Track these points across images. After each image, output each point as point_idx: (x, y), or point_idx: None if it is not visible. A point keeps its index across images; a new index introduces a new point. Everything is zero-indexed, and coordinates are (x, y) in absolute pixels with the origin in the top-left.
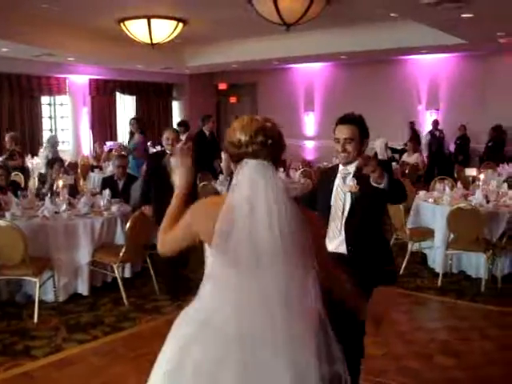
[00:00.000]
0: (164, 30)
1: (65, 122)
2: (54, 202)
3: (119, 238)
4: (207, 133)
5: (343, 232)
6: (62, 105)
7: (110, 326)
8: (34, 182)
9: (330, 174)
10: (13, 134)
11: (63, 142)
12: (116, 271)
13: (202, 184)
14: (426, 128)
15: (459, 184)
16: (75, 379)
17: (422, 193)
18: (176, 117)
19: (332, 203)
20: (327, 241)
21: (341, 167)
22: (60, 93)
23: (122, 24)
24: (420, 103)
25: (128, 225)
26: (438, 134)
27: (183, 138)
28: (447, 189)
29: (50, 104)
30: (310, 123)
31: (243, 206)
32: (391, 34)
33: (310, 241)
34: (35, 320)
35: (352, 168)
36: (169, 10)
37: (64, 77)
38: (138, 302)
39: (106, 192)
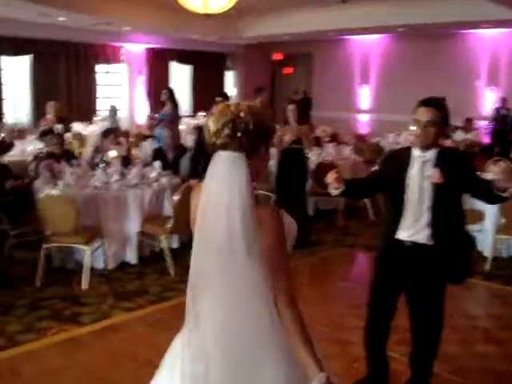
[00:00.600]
0: (219, 1)
1: (120, 90)
2: (105, 173)
3: (168, 210)
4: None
5: (422, 221)
6: (118, 73)
7: (156, 296)
8: (88, 151)
9: (401, 158)
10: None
11: (119, 110)
12: (163, 242)
13: None
14: (484, 105)
15: None
16: (120, 346)
17: None
18: (230, 87)
19: (407, 190)
20: (400, 228)
21: (417, 153)
22: (116, 61)
23: None
24: (479, 79)
25: (176, 197)
26: (504, 111)
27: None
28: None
29: (106, 72)
30: (364, 96)
31: (208, 198)
32: (450, 7)
33: (260, 242)
34: (84, 286)
35: (431, 155)
36: None
37: (120, 45)
38: (184, 273)
39: (157, 163)
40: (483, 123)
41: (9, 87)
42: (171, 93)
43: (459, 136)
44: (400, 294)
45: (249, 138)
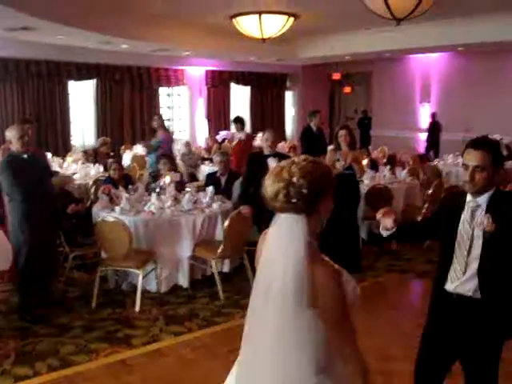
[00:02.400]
0: (275, 25)
1: (182, 112)
2: (160, 198)
3: (219, 235)
4: (314, 128)
5: (469, 272)
6: (179, 95)
7: (205, 320)
8: (146, 174)
9: (455, 203)
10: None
11: (180, 131)
12: (214, 266)
13: None
14: None
15: None
16: (167, 371)
17: None
18: (289, 106)
19: (457, 238)
20: (448, 278)
21: (469, 197)
22: (178, 83)
23: (234, 20)
24: None
25: (226, 223)
26: None
27: (240, 136)
28: None
29: (168, 94)
30: (425, 115)
31: (267, 254)
32: (508, 26)
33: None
34: (137, 309)
35: (483, 200)
36: (279, 5)
37: (181, 68)
38: (234, 298)
39: (210, 189)
40: None
41: (76, 111)
42: (161, 119)
43: None
44: (453, 355)
45: (304, 200)
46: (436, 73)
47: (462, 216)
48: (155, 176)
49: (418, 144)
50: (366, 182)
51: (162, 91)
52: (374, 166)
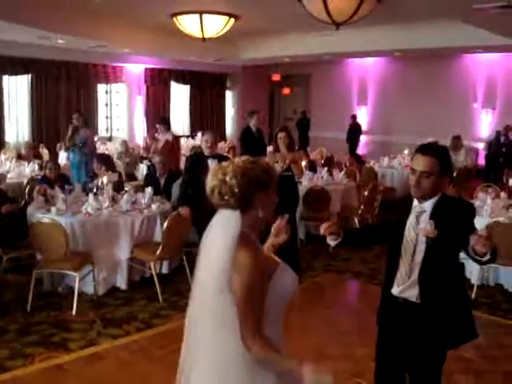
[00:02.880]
0: (216, 25)
1: (120, 110)
2: (97, 198)
3: (158, 236)
4: (254, 129)
5: (413, 277)
6: (117, 92)
7: (144, 323)
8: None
9: (403, 207)
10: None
11: (117, 129)
12: (152, 268)
13: None
14: (481, 127)
15: (503, 194)
16: (105, 374)
17: None
18: (229, 106)
19: (403, 242)
20: (394, 282)
21: (415, 202)
22: (116, 81)
23: (174, 18)
24: (476, 101)
25: (165, 224)
26: (503, 139)
27: (163, 137)
28: (488, 199)
29: (106, 92)
30: (362, 117)
31: (202, 250)
32: (445, 33)
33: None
34: (73, 312)
35: (428, 206)
36: (221, 6)
37: (120, 65)
38: (173, 299)
39: (148, 190)
40: (480, 145)
41: (10, 107)
42: (84, 117)
43: (452, 157)
44: (404, 359)
45: (236, 198)
46: (373, 76)
47: (408, 221)
48: (92, 176)
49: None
50: (305, 183)
51: (100, 88)
52: (312, 167)
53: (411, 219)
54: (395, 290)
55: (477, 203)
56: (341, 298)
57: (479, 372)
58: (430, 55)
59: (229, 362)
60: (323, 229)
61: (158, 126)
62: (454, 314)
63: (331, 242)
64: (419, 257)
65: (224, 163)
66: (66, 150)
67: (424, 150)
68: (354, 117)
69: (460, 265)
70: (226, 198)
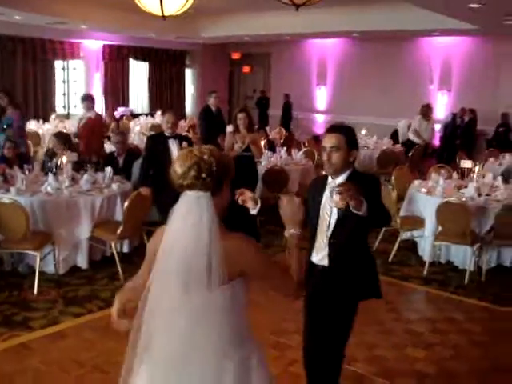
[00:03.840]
0: (176, 3)
1: (78, 87)
2: (57, 178)
3: (118, 215)
4: (213, 108)
5: (328, 246)
6: (75, 69)
7: (105, 301)
8: (42, 152)
9: (320, 184)
10: None
11: (75, 107)
12: (113, 247)
13: None
14: (437, 109)
15: (455, 174)
16: (68, 352)
17: (416, 182)
18: (189, 84)
19: (320, 216)
20: (314, 252)
21: (329, 179)
22: (74, 57)
23: None
24: (432, 83)
25: (126, 204)
26: (459, 121)
27: (88, 115)
28: (441, 180)
29: (63, 68)
30: (321, 97)
31: (172, 235)
32: (402, 16)
33: (223, 270)
34: (35, 291)
35: (340, 181)
36: None
37: (78, 41)
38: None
39: (108, 169)
40: (437, 127)
41: None
42: (10, 96)
43: (421, 125)
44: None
45: (212, 177)
46: (332, 57)
47: (324, 196)
48: (50, 156)
49: (315, 124)
50: (264, 163)
51: (57, 64)
52: (271, 147)
53: (326, 194)
54: (314, 259)
55: (430, 183)
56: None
57: (429, 345)
58: (388, 37)
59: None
60: (239, 198)
61: (82, 103)
62: (361, 274)
63: (253, 210)
64: (331, 228)
65: (195, 147)
66: None
67: (332, 129)
68: (286, 96)
69: (366, 234)
70: (203, 175)
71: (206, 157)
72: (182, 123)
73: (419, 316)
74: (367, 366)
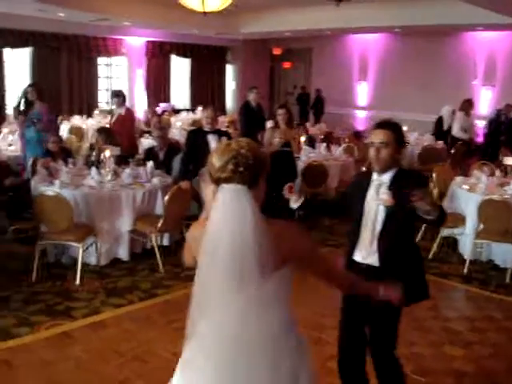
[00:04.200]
0: (216, 0)
1: (120, 83)
2: (99, 172)
3: (159, 209)
4: (253, 103)
5: (374, 244)
6: (118, 65)
7: (146, 292)
8: (85, 147)
9: (363, 181)
10: None
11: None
12: (153, 240)
13: None
14: (480, 105)
15: (498, 172)
16: (108, 342)
17: (458, 179)
18: (230, 80)
19: (364, 213)
20: (357, 250)
21: (375, 176)
22: (117, 53)
23: None
24: (475, 78)
25: (166, 198)
26: (504, 116)
27: (119, 111)
28: (483, 177)
29: (106, 65)
30: (362, 93)
31: (214, 228)
32: (445, 10)
33: (273, 258)
34: (77, 282)
35: (387, 178)
36: None
37: (121, 38)
38: (174, 270)
39: (149, 164)
40: (480, 123)
41: (11, 80)
42: (41, 89)
43: (466, 121)
44: (364, 321)
45: (249, 171)
46: (374, 52)
47: (368, 194)
48: (93, 149)
49: (355, 120)
50: (303, 158)
51: (101, 61)
52: (311, 142)
53: (371, 192)
54: (358, 257)
55: (472, 180)
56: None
57: (468, 343)
58: (430, 32)
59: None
60: (286, 189)
61: (112, 100)
62: (409, 275)
63: (293, 204)
64: (379, 227)
65: (233, 140)
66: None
67: (381, 124)
68: (318, 90)
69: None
70: (241, 169)
71: (243, 150)
72: (222, 119)
73: (458, 314)
74: (404, 364)
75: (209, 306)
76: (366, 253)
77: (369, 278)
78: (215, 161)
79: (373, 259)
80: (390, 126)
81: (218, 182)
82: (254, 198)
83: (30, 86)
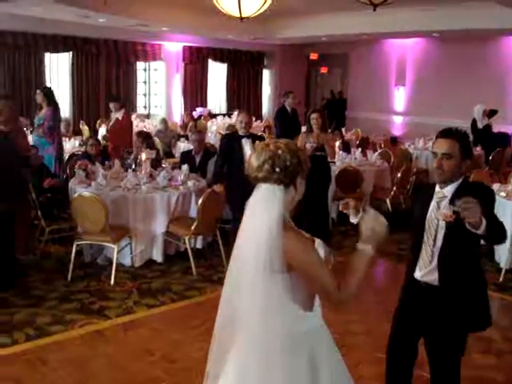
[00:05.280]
0: (254, 5)
1: (158, 88)
2: (135, 175)
3: (193, 212)
4: (289, 109)
5: (434, 261)
6: (156, 70)
7: (177, 294)
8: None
9: (425, 194)
10: None
11: (155, 107)
12: (187, 243)
13: None
14: None
15: None
16: (139, 341)
17: (495, 185)
18: (266, 85)
19: (425, 228)
20: (417, 268)
21: (437, 188)
22: (155, 58)
23: None
24: None
25: (200, 201)
26: None
27: (116, 115)
28: None
29: (144, 69)
30: (400, 98)
31: (246, 222)
32: (484, 15)
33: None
34: (112, 282)
35: (449, 191)
36: None
37: (159, 43)
38: (206, 273)
39: (184, 167)
40: None
41: (51, 84)
42: (48, 92)
43: None
44: (418, 336)
45: (286, 172)
46: (411, 57)
47: (430, 207)
48: (130, 152)
49: (392, 126)
50: (338, 163)
51: (139, 66)
52: (346, 147)
53: (433, 205)
54: (417, 274)
55: (510, 188)
56: (369, 278)
57: (500, 352)
58: (469, 36)
59: (272, 344)
60: (341, 205)
61: (110, 104)
62: (472, 298)
63: (353, 219)
64: (440, 242)
65: (271, 140)
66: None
67: (445, 133)
68: (339, 93)
69: (478, 250)
70: (277, 170)
71: (280, 151)
72: (257, 124)
73: (493, 323)
74: None
75: (238, 298)
76: (425, 270)
77: (427, 298)
78: (253, 160)
79: (432, 277)
80: (456, 136)
81: (256, 180)
82: (288, 198)
83: (40, 89)
